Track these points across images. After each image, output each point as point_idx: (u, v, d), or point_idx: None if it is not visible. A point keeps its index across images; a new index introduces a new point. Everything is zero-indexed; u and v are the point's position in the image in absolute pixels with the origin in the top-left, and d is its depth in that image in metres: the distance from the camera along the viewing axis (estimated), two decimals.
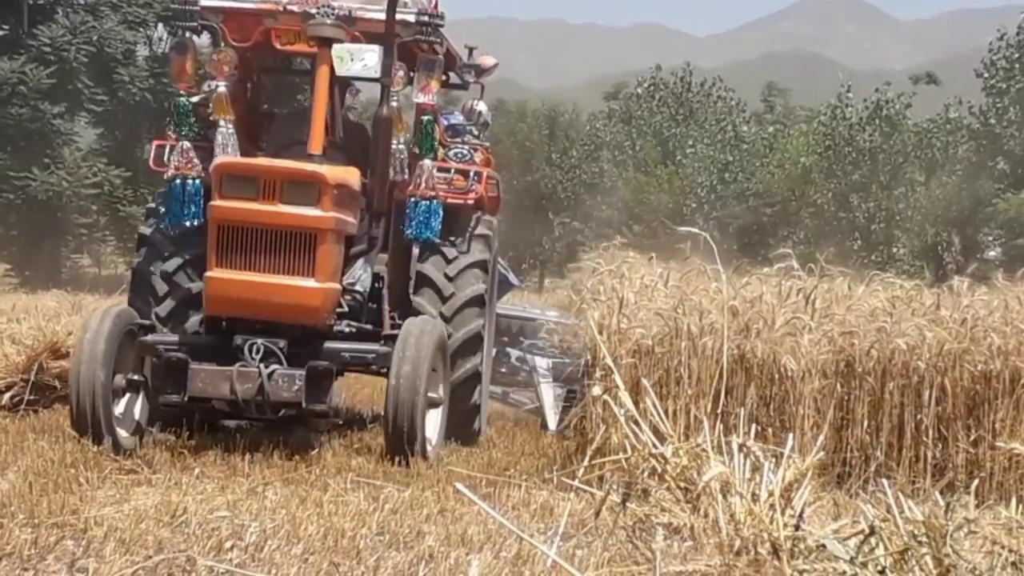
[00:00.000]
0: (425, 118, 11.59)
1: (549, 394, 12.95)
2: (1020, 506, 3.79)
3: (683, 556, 3.65)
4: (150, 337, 10.53)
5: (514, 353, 14.29)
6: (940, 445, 10.04)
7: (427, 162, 11.48)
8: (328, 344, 10.43)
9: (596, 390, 6.39)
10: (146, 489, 8.23)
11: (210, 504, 7.73)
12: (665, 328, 9.99)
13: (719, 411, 9.17)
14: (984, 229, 51.04)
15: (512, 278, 16.00)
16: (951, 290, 10.86)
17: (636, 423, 4.26)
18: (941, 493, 3.54)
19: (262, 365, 9.93)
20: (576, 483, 4.38)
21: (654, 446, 4.08)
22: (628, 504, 4.05)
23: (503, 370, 14.26)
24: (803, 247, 48.99)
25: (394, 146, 11.26)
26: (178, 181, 11.21)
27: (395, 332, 10.56)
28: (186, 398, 9.94)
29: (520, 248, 56.93)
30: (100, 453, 9.33)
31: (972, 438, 9.96)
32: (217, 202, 10.21)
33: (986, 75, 54.65)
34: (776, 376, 10.12)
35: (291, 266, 10.17)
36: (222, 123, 11.37)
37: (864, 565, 3.38)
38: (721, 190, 54.52)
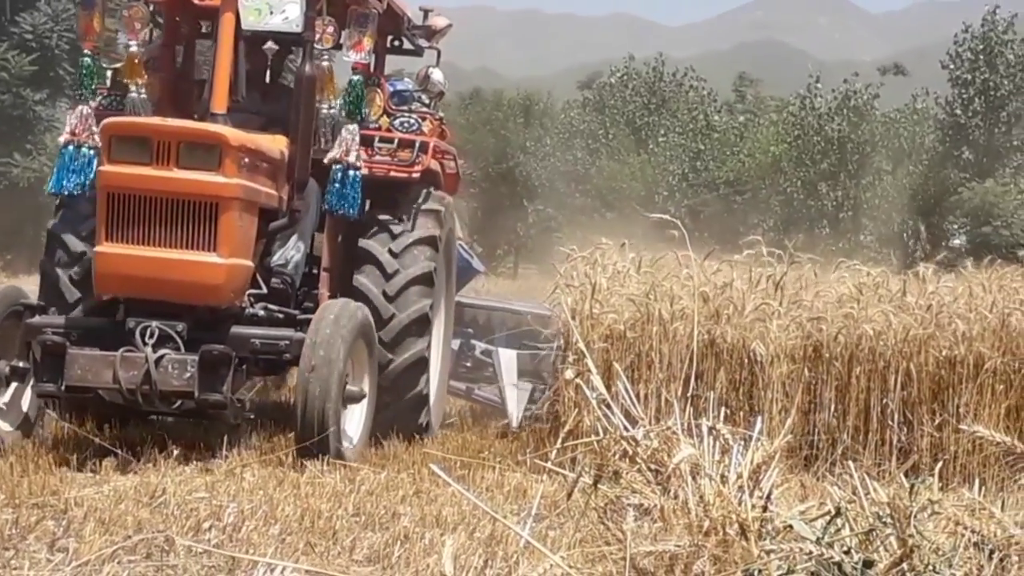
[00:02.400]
0: (354, 78, 10.19)
1: (512, 390, 11.58)
2: (983, 488, 3.81)
3: (653, 536, 3.65)
4: (36, 319, 9.29)
5: (480, 346, 12.84)
6: (905, 429, 10.07)
7: (351, 126, 10.05)
8: (236, 329, 9.20)
9: (569, 374, 6.40)
10: (125, 470, 8.21)
11: (188, 485, 7.73)
12: (637, 313, 10.01)
13: (689, 395, 9.17)
14: (949, 217, 51.18)
15: (476, 263, 14.87)
16: (917, 277, 10.90)
17: (608, 406, 4.26)
18: (906, 475, 3.55)
19: (149, 350, 8.64)
20: (548, 465, 4.39)
21: (625, 429, 4.07)
22: (599, 486, 4.05)
23: (468, 364, 12.88)
24: (773, 234, 49.11)
25: (324, 111, 10.15)
26: (70, 147, 9.81)
27: (304, 315, 9.51)
28: (63, 387, 8.66)
29: (494, 235, 56.92)
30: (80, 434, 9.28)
31: (936, 422, 9.99)
32: (105, 167, 8.97)
33: (951, 67, 54.81)
34: (745, 361, 10.14)
35: (190, 240, 8.94)
36: (133, 88, 10.13)
37: (830, 545, 3.39)
38: (692, 178, 54.60)
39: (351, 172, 9.98)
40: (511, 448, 10.23)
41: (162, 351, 8.67)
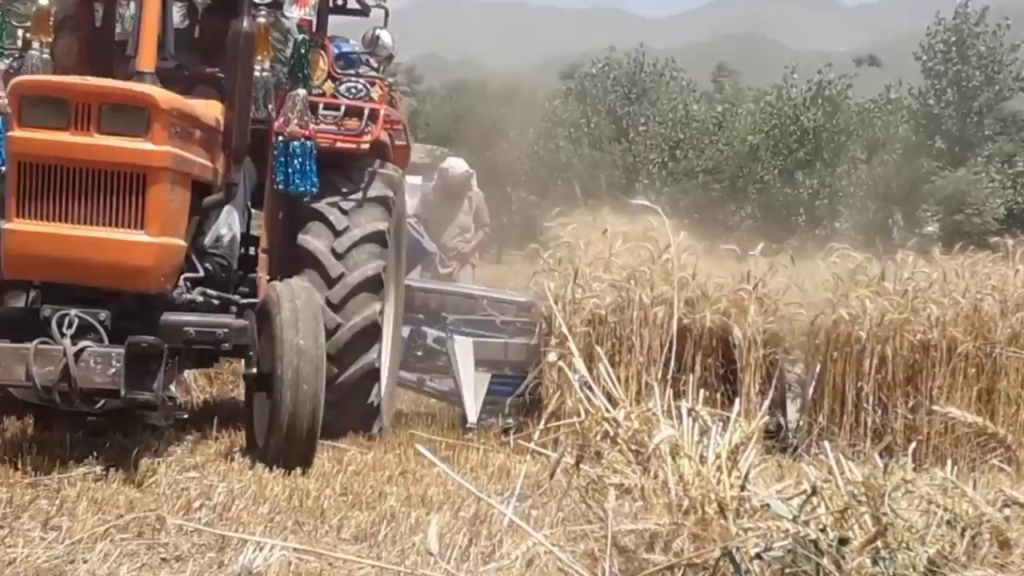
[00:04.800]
0: (298, 37, 9.05)
1: (469, 380, 10.27)
2: (955, 468, 3.83)
3: (634, 515, 3.66)
4: None
5: (431, 334, 11.31)
6: (880, 411, 10.11)
7: (300, 92, 8.88)
8: (167, 316, 7.90)
9: (551, 357, 6.40)
10: (117, 451, 8.20)
11: (179, 465, 7.72)
12: (618, 298, 10.02)
13: (669, 377, 9.18)
14: (923, 205, 51.27)
15: (427, 243, 13.91)
16: (893, 263, 10.92)
17: (590, 388, 4.27)
18: (880, 456, 3.57)
19: (68, 342, 7.32)
20: (532, 446, 4.40)
21: (607, 410, 4.08)
22: (581, 466, 4.06)
23: (419, 354, 11.35)
24: (750, 221, 49.19)
25: (257, 73, 8.74)
26: None
27: (252, 301, 8.34)
28: None
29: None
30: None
31: (910, 404, 10.03)
32: (15, 132, 7.59)
33: (924, 58, 54.89)
34: (724, 345, 10.17)
35: (114, 216, 7.61)
36: (35, 45, 8.65)
37: (806, 523, 3.40)
38: (672, 167, 54.61)
39: (305, 143, 8.86)
40: (495, 429, 10.19)
41: (83, 343, 7.35)
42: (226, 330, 7.97)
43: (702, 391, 4.26)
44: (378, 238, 9.32)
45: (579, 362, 4.44)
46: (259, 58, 8.80)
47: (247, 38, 8.56)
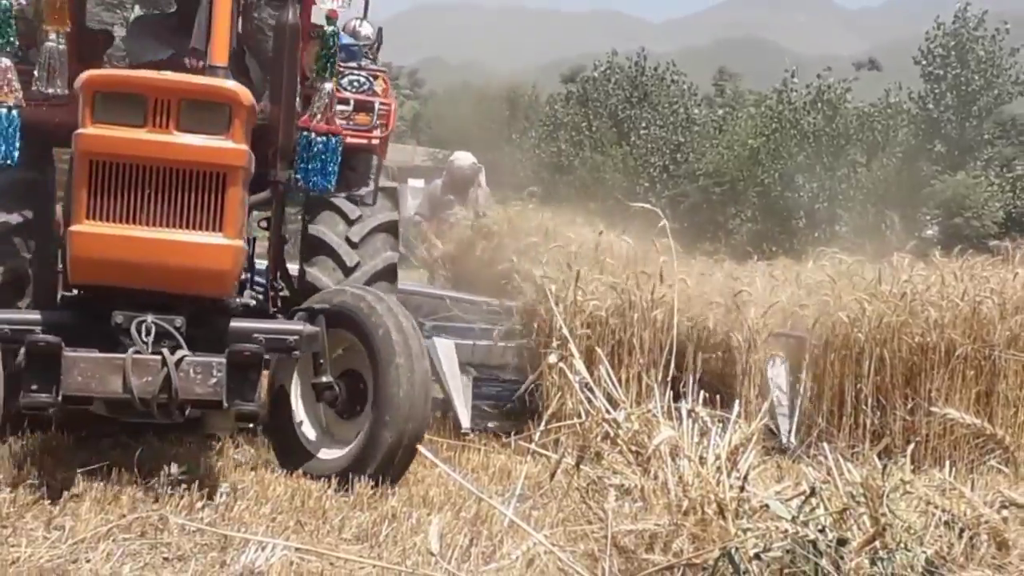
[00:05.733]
0: (329, 28, 8.44)
1: (457, 383, 9.97)
2: (953, 469, 3.82)
3: (634, 516, 3.66)
4: (9, 315, 7.32)
5: None
6: (878, 412, 10.12)
7: (326, 86, 8.33)
8: (235, 323, 7.57)
9: (552, 358, 6.39)
10: (121, 452, 8.20)
11: (182, 465, 7.72)
12: (618, 300, 10.02)
13: (669, 379, 9.18)
14: (923, 209, 51.24)
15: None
16: (891, 265, 10.94)
17: (590, 390, 4.26)
18: (879, 457, 3.56)
19: (165, 351, 6.98)
20: (532, 447, 4.39)
21: (607, 412, 4.08)
22: (582, 467, 4.06)
23: None
24: (751, 224, 49.15)
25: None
26: None
27: (321, 306, 7.88)
28: (59, 398, 6.85)
29: None
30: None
31: (909, 406, 10.04)
32: (88, 130, 7.15)
33: (924, 62, 54.86)
34: (723, 347, 10.19)
35: (191, 217, 7.22)
36: (52, 37, 7.96)
37: (805, 524, 3.40)
38: (673, 170, 54.57)
39: (330, 139, 8.38)
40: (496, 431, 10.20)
41: (181, 353, 7.04)
42: (297, 337, 7.59)
43: (702, 392, 4.26)
44: (393, 229, 9.15)
45: (579, 363, 4.43)
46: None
47: (292, 30, 8.21)
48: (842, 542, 3.36)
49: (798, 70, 55.23)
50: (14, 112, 7.82)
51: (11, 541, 5.77)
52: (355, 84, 9.40)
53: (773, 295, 10.72)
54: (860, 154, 52.22)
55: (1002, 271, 10.85)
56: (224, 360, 7.03)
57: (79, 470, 7.36)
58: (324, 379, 7.73)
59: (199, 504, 6.68)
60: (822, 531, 3.40)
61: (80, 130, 7.18)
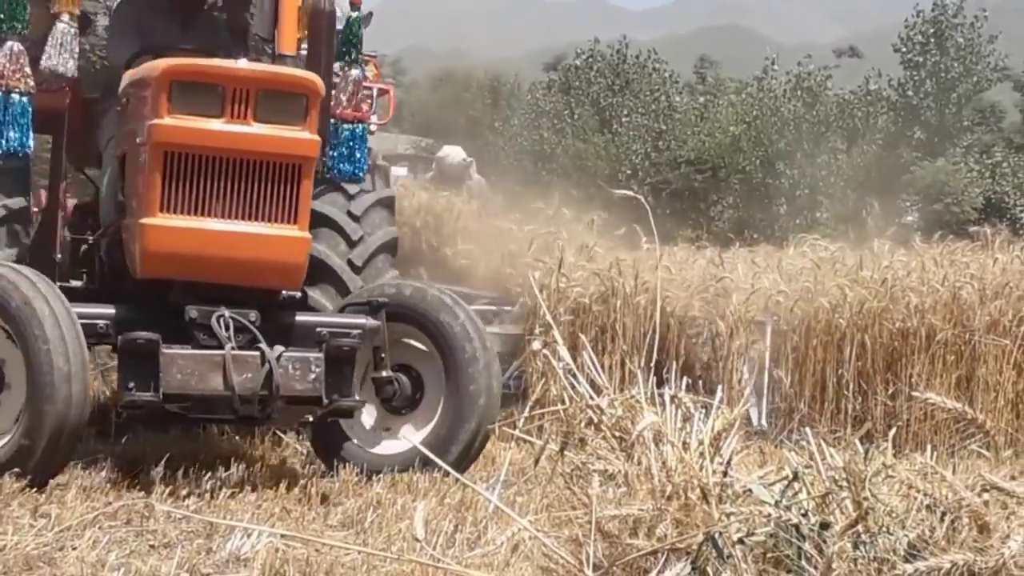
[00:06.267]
0: (352, 14, 8.40)
1: None
2: (934, 453, 3.83)
3: (618, 501, 3.66)
4: (81, 308, 6.90)
5: None
6: (860, 398, 10.15)
7: (353, 72, 8.28)
8: (301, 317, 7.49)
9: (536, 345, 6.39)
10: (106, 440, 8.18)
11: (167, 453, 7.70)
12: (602, 287, 10.04)
13: (652, 365, 9.19)
14: (903, 195, 51.34)
15: None
16: (872, 252, 10.96)
17: (574, 376, 4.27)
18: (861, 441, 3.56)
19: (264, 347, 6.88)
20: (516, 433, 4.39)
21: (591, 398, 4.08)
22: (566, 453, 4.06)
23: None
24: (732, 211, 49.20)
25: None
26: None
27: (379, 300, 7.60)
28: (161, 396, 6.72)
29: None
30: None
31: (890, 391, 10.08)
32: (164, 120, 6.97)
33: (903, 49, 54.93)
34: (706, 333, 10.20)
35: (266, 210, 7.12)
36: (64, 19, 7.74)
37: (788, 508, 3.41)
38: (655, 157, 54.60)
39: (356, 126, 8.36)
40: None
41: (279, 348, 6.94)
42: (360, 331, 7.45)
43: (685, 378, 4.27)
44: (390, 205, 8.98)
45: (563, 350, 4.43)
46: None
47: (329, 16, 7.98)
48: (825, 526, 3.37)
49: (778, 57, 55.25)
50: (26, 99, 7.68)
51: None
52: (343, 70, 8.78)
53: (755, 281, 10.74)
54: (840, 141, 52.32)
55: (982, 257, 10.89)
56: (322, 355, 7.00)
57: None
58: (385, 373, 7.54)
59: (184, 491, 6.68)
60: (805, 515, 3.41)
61: (154, 121, 6.99)
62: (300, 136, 7.16)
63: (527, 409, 4.63)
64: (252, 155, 7.08)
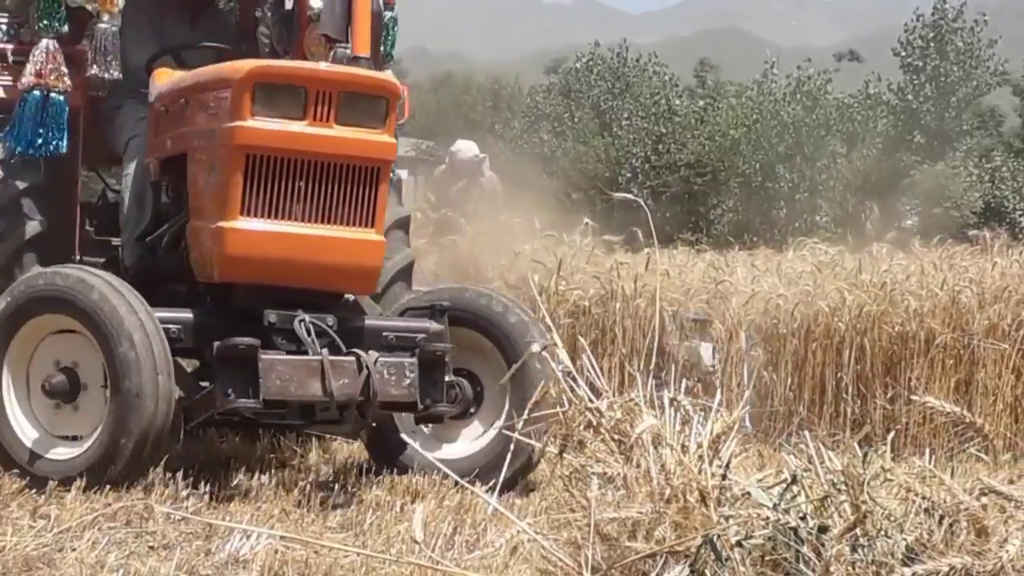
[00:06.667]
0: (388, 15, 8.44)
1: None
2: (933, 457, 3.84)
3: (617, 504, 3.66)
4: (160, 312, 6.78)
5: None
6: (859, 401, 10.14)
7: (388, 73, 8.08)
8: (370, 321, 7.41)
9: (535, 347, 6.38)
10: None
11: (167, 454, 7.70)
12: (601, 290, 10.04)
13: (651, 368, 9.19)
14: (902, 199, 51.35)
15: None
16: (871, 255, 10.97)
17: (573, 379, 4.27)
18: (859, 445, 3.57)
19: (361, 353, 6.83)
20: (515, 435, 4.40)
21: (590, 400, 4.08)
22: (564, 455, 4.06)
23: None
24: (732, 215, 49.20)
25: (340, 49, 8.09)
26: (37, 93, 7.51)
27: (443, 304, 7.49)
28: (262, 402, 6.60)
29: None
30: None
31: (889, 395, 10.07)
32: (247, 122, 6.88)
33: (903, 53, 54.95)
34: (705, 336, 10.20)
35: (346, 214, 7.06)
36: (105, 19, 7.62)
37: (786, 511, 3.41)
38: (655, 160, 54.60)
39: None
40: None
41: (374, 354, 6.88)
42: (424, 335, 7.33)
43: (684, 381, 4.27)
44: (406, 226, 8.60)
45: (562, 352, 4.43)
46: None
47: (376, 18, 7.97)
48: (823, 529, 3.37)
49: (778, 61, 55.30)
50: (63, 98, 7.57)
51: None
52: None
53: (755, 285, 10.74)
54: (840, 145, 52.34)
55: (981, 261, 10.89)
56: (416, 360, 6.94)
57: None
58: (448, 378, 7.37)
59: (184, 493, 6.67)
60: (803, 518, 3.41)
61: (236, 123, 6.91)
62: (380, 139, 7.14)
63: (526, 411, 4.63)
64: (333, 158, 7.02)
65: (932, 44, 54.27)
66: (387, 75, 7.38)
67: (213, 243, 6.99)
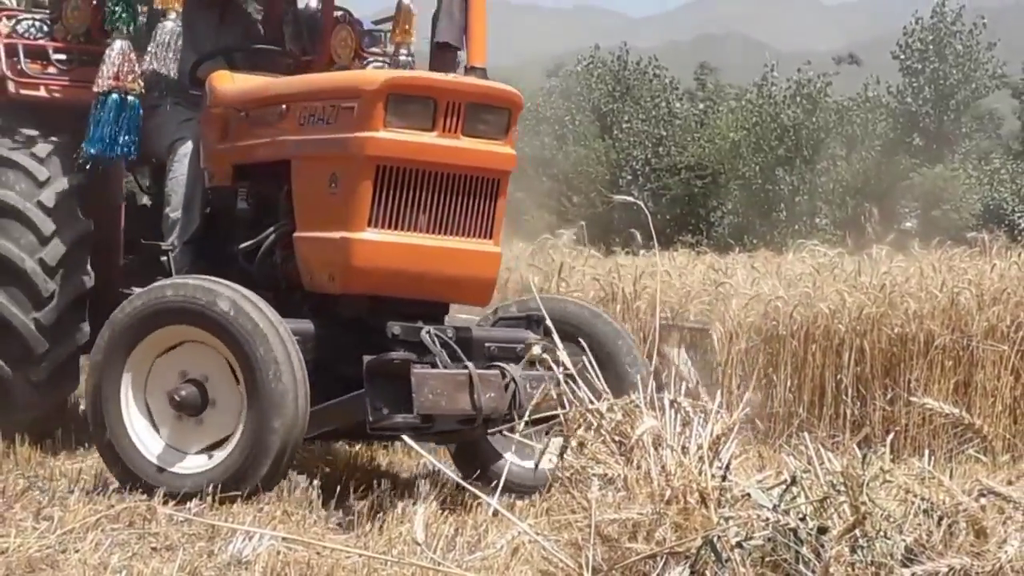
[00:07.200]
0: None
1: None
2: (932, 458, 3.84)
3: (617, 505, 3.67)
4: (295, 323, 6.72)
5: None
6: (859, 403, 10.14)
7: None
8: (477, 332, 7.31)
9: (536, 349, 6.37)
10: None
11: None
12: (601, 292, 10.04)
13: (652, 369, 9.19)
14: (901, 201, 51.35)
15: None
16: (870, 258, 10.97)
17: (573, 380, 4.27)
18: (859, 446, 3.57)
19: (505, 365, 6.82)
20: (516, 437, 4.40)
21: (590, 402, 4.09)
22: (565, 457, 4.06)
23: None
24: (732, 217, 49.20)
25: (403, 57, 8.43)
26: (115, 96, 7.47)
27: (538, 314, 7.25)
28: (418, 416, 6.47)
29: None
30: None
31: (888, 396, 10.07)
32: (379, 133, 6.80)
33: (902, 56, 54.96)
34: (706, 337, 10.20)
35: (468, 225, 7.03)
36: (171, 17, 7.49)
37: (786, 512, 3.41)
38: (655, 163, 54.59)
39: None
40: None
41: (515, 367, 6.82)
42: (523, 345, 7.16)
43: (684, 383, 4.28)
44: None
45: (563, 354, 4.44)
46: (405, 43, 8.57)
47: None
48: (822, 530, 3.37)
49: (778, 64, 55.27)
50: (138, 101, 7.55)
51: (0, 532, 5.75)
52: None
53: (755, 287, 10.74)
54: (840, 147, 52.34)
55: (979, 263, 10.89)
56: (555, 374, 6.64)
57: (68, 462, 7.35)
58: None
59: (187, 494, 6.66)
60: (803, 519, 3.41)
61: (367, 133, 6.84)
62: (502, 151, 7.14)
63: (527, 413, 4.64)
64: (459, 169, 6.99)
65: (931, 47, 54.29)
66: (510, 87, 7.32)
67: (336, 254, 6.91)
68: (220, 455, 6.65)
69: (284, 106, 7.29)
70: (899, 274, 10.55)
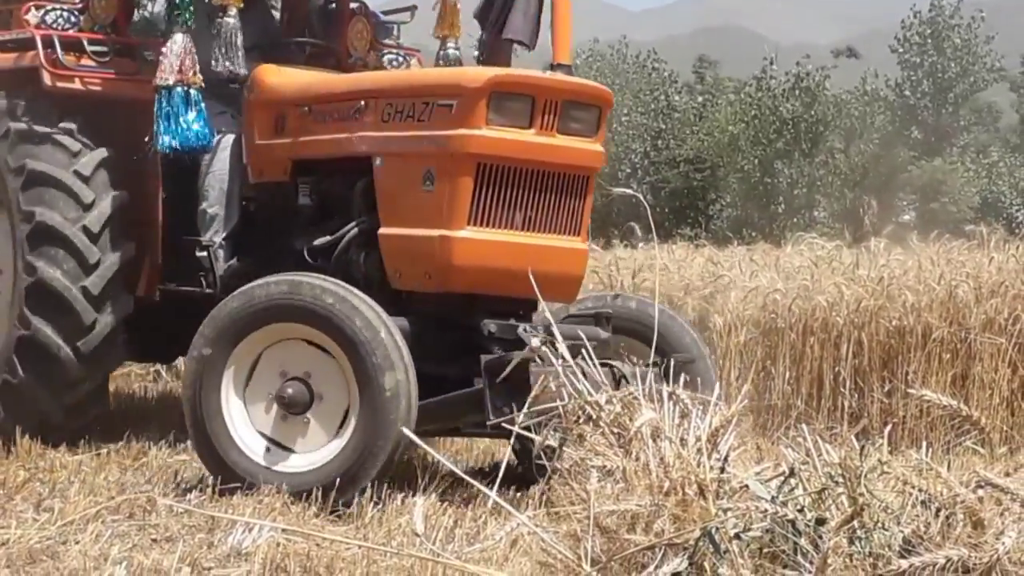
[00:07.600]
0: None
1: None
2: (929, 450, 3.84)
3: (616, 496, 3.67)
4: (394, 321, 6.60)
5: None
6: (856, 395, 10.15)
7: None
8: (554, 329, 7.04)
9: (535, 342, 6.37)
10: (111, 436, 8.18)
11: (170, 448, 7.71)
12: (600, 285, 10.04)
13: (651, 362, 9.20)
14: (899, 194, 51.36)
15: None
16: (868, 250, 10.97)
17: (573, 372, 4.28)
18: (857, 438, 3.57)
19: (615, 364, 6.85)
20: (516, 429, 4.41)
21: (589, 394, 4.09)
22: (564, 448, 4.07)
23: None
24: (730, 210, 49.19)
25: (451, 51, 8.52)
26: (180, 90, 7.50)
27: (608, 312, 7.39)
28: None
29: None
30: None
31: (886, 388, 10.07)
32: (481, 131, 6.79)
33: (901, 50, 54.97)
34: (705, 330, 10.20)
35: (560, 222, 7.11)
36: (231, 13, 7.56)
37: (784, 504, 3.41)
38: (654, 156, 54.59)
39: None
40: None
41: (616, 363, 6.86)
42: (595, 343, 6.81)
43: (683, 375, 4.28)
44: None
45: (563, 347, 4.45)
46: (452, 38, 8.66)
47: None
48: (821, 522, 3.37)
49: (777, 57, 55.21)
50: (199, 93, 7.56)
51: (1, 523, 5.76)
52: (394, 64, 9.07)
53: (753, 279, 10.75)
54: (838, 140, 52.33)
55: (978, 255, 10.89)
56: (652, 370, 6.63)
57: (68, 453, 7.35)
58: None
59: (186, 486, 6.67)
60: (801, 511, 3.41)
61: (469, 131, 6.81)
62: (593, 148, 7.22)
63: (526, 406, 4.64)
64: (553, 167, 7.03)
65: (929, 40, 54.32)
66: (601, 85, 7.37)
67: (433, 252, 6.85)
68: (328, 453, 6.58)
69: (363, 102, 7.22)
70: (897, 267, 10.55)
